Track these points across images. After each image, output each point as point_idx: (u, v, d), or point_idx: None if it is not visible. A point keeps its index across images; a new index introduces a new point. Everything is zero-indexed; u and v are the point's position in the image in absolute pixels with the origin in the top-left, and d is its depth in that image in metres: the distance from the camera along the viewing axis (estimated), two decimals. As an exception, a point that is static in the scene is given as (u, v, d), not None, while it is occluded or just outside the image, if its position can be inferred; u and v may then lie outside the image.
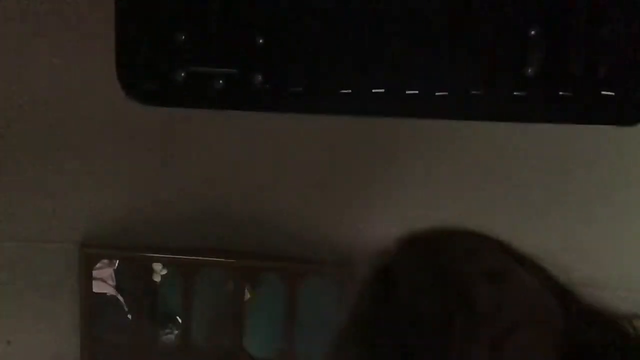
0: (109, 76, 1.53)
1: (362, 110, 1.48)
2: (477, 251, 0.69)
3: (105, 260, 1.72)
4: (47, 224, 1.68)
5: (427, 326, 0.64)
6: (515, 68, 1.38)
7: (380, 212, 1.61)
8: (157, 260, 1.70)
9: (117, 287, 1.75)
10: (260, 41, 1.46)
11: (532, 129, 1.47)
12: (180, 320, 1.73)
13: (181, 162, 1.63)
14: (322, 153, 1.59)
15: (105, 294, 1.74)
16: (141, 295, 1.73)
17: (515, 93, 1.40)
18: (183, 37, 1.47)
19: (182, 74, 1.49)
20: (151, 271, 1.73)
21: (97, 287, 1.70)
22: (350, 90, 1.47)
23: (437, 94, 1.43)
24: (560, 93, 1.38)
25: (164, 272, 1.74)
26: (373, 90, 1.45)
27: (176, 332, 1.76)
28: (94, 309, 1.70)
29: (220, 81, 1.49)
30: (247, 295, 1.70)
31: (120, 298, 1.75)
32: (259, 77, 1.47)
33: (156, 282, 1.76)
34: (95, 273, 1.68)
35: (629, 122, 1.40)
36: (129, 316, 1.74)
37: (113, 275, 1.74)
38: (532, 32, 1.36)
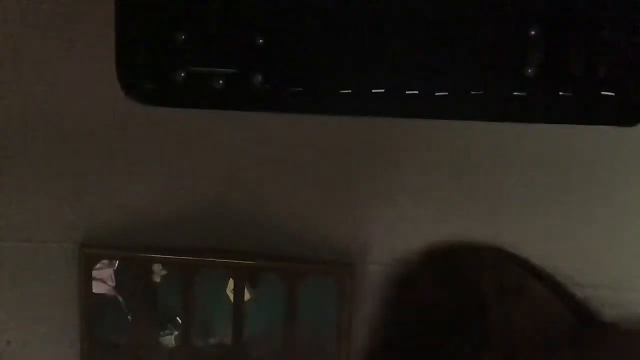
0: (108, 76, 1.53)
1: (362, 110, 1.49)
2: (496, 267, 0.70)
3: (105, 261, 1.71)
4: (47, 224, 1.68)
5: (444, 332, 0.65)
6: (515, 68, 1.38)
7: (380, 212, 1.61)
8: (157, 260, 1.69)
9: (117, 288, 1.74)
10: (260, 41, 1.46)
11: (532, 129, 1.48)
12: (180, 321, 1.73)
13: (181, 162, 1.63)
14: (322, 153, 1.59)
15: (105, 294, 1.74)
16: (141, 296, 1.72)
17: (515, 93, 1.40)
18: (183, 37, 1.47)
19: (182, 74, 1.49)
20: (151, 272, 1.73)
21: (97, 288, 1.70)
22: (350, 91, 1.47)
23: (437, 94, 1.43)
24: (560, 93, 1.38)
25: (164, 272, 1.74)
26: (373, 90, 1.46)
27: (176, 332, 1.76)
28: (93, 309, 1.69)
29: (220, 81, 1.49)
30: (247, 295, 1.70)
31: (120, 298, 1.74)
32: (259, 77, 1.47)
33: (156, 282, 1.75)
34: (95, 273, 1.68)
35: (629, 122, 1.40)
36: (129, 317, 1.74)
37: (113, 275, 1.74)
38: (532, 32, 1.36)
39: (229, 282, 1.72)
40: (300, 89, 1.49)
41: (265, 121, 1.57)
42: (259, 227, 1.64)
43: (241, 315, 1.67)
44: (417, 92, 1.44)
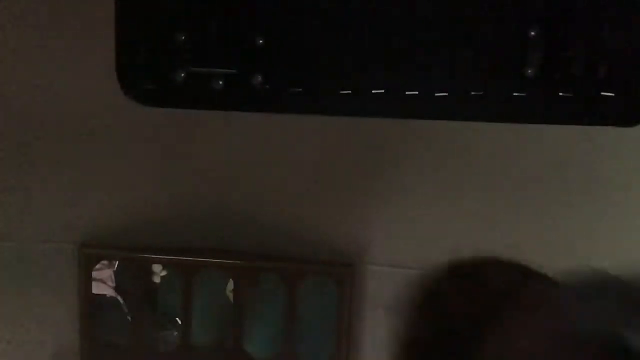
0: (109, 77, 1.53)
1: (362, 110, 1.49)
2: (516, 283, 0.70)
3: (105, 261, 1.72)
4: (47, 225, 1.68)
5: (464, 345, 0.65)
6: (515, 69, 1.38)
7: (379, 213, 1.61)
8: (157, 261, 1.70)
9: (117, 288, 1.75)
10: (260, 42, 1.46)
11: (532, 130, 1.47)
12: (180, 321, 1.73)
13: (181, 163, 1.63)
14: (322, 153, 1.59)
15: (105, 294, 1.74)
16: (141, 296, 1.72)
17: (515, 94, 1.40)
18: (183, 38, 1.47)
19: (182, 75, 1.49)
20: (151, 272, 1.73)
21: (97, 288, 1.70)
22: (350, 91, 1.47)
23: (436, 94, 1.43)
24: (560, 94, 1.38)
25: (164, 273, 1.74)
26: (373, 91, 1.46)
27: (176, 332, 1.76)
28: (93, 309, 1.69)
29: (220, 82, 1.49)
30: (247, 296, 1.69)
31: (120, 299, 1.75)
32: (259, 78, 1.47)
33: (156, 283, 1.75)
34: (95, 274, 1.68)
35: (629, 122, 1.40)
36: (129, 317, 1.74)
37: (113, 276, 1.74)
38: (532, 33, 1.36)
39: (229, 282, 1.72)
40: (300, 89, 1.48)
41: (265, 121, 1.56)
42: (259, 228, 1.64)
43: (241, 315, 1.67)
44: (416, 92, 1.44)
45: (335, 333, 1.63)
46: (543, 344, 0.63)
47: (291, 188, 1.62)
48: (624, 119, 1.38)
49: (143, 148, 1.61)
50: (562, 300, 0.70)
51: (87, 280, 1.67)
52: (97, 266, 1.69)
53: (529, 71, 1.38)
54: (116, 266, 1.73)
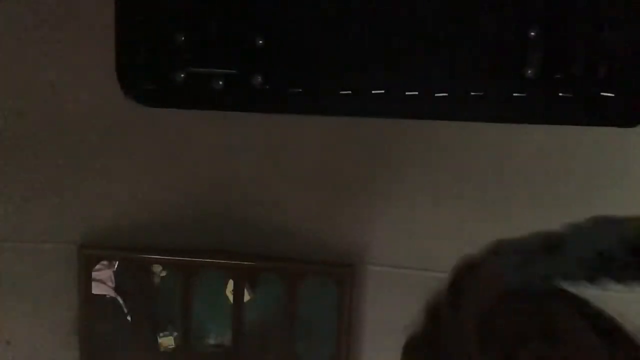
0: (109, 77, 1.53)
1: (362, 111, 1.49)
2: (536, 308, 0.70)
3: (105, 262, 1.71)
4: (47, 225, 1.68)
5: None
6: (515, 69, 1.38)
7: (380, 213, 1.61)
8: (157, 261, 1.69)
9: (117, 289, 1.74)
10: (260, 42, 1.46)
11: (532, 130, 1.48)
12: (179, 322, 1.73)
13: (181, 163, 1.63)
14: (321, 154, 1.59)
15: (105, 295, 1.74)
16: (140, 297, 1.72)
17: (515, 94, 1.40)
18: (182, 38, 1.47)
19: (182, 75, 1.49)
20: (151, 272, 1.73)
21: (97, 289, 1.70)
22: (350, 91, 1.47)
23: (436, 95, 1.43)
24: (560, 94, 1.38)
25: (164, 273, 1.74)
26: (373, 91, 1.46)
27: (175, 333, 1.76)
28: (93, 310, 1.69)
29: (220, 82, 1.49)
30: (247, 296, 1.69)
31: (120, 299, 1.74)
32: (259, 78, 1.47)
33: (156, 283, 1.75)
34: (94, 274, 1.68)
35: (629, 123, 1.40)
36: (129, 317, 1.74)
37: (112, 276, 1.74)
38: (532, 33, 1.36)
39: (229, 282, 1.71)
40: (300, 89, 1.48)
41: (265, 122, 1.56)
42: (259, 228, 1.64)
43: (241, 316, 1.67)
44: (416, 93, 1.44)
45: (335, 333, 1.63)
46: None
47: (291, 188, 1.62)
48: (624, 119, 1.38)
49: (143, 148, 1.61)
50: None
51: (87, 280, 1.67)
52: (97, 266, 1.68)
53: (529, 71, 1.38)
54: (116, 267, 1.73)
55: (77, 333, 1.70)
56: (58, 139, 1.61)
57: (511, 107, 1.41)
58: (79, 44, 1.55)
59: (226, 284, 1.72)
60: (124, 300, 1.74)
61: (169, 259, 1.66)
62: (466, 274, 0.75)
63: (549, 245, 0.74)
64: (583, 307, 0.69)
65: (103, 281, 1.73)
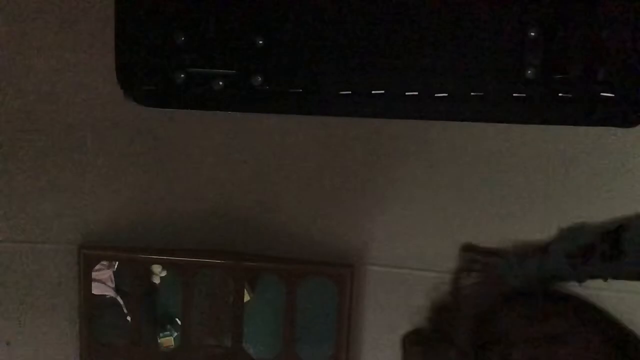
0: (108, 77, 1.53)
1: (362, 111, 1.49)
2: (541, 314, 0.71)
3: (105, 262, 1.71)
4: (46, 225, 1.68)
5: None
6: (515, 69, 1.38)
7: (379, 212, 1.61)
8: (157, 261, 1.69)
9: (117, 289, 1.74)
10: (260, 42, 1.46)
11: (532, 131, 1.48)
12: (179, 322, 1.73)
13: (181, 163, 1.63)
14: (321, 154, 1.59)
15: (105, 295, 1.74)
16: (141, 297, 1.72)
17: (515, 94, 1.41)
18: (182, 39, 1.48)
19: (182, 75, 1.50)
20: (151, 273, 1.73)
21: (97, 289, 1.70)
22: (349, 92, 1.47)
23: (436, 95, 1.43)
24: (560, 94, 1.39)
25: (164, 273, 1.74)
26: (373, 92, 1.46)
27: (176, 333, 1.76)
28: (93, 310, 1.69)
29: (220, 82, 1.49)
30: (247, 297, 1.70)
31: (120, 300, 1.74)
32: (259, 78, 1.48)
33: (156, 283, 1.75)
34: (94, 275, 1.68)
35: (629, 123, 1.41)
36: (129, 318, 1.74)
37: (112, 277, 1.74)
38: (532, 34, 1.37)
39: (229, 282, 1.71)
40: (300, 90, 1.49)
41: (264, 122, 1.56)
42: (259, 228, 1.64)
43: (241, 316, 1.67)
44: (416, 93, 1.44)
45: (335, 333, 1.63)
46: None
47: (291, 188, 1.62)
48: (624, 119, 1.38)
49: (143, 148, 1.62)
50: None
51: (87, 281, 1.67)
52: (97, 267, 1.69)
53: (529, 72, 1.39)
54: (116, 267, 1.73)
55: (77, 333, 1.70)
56: (58, 139, 1.62)
57: (511, 107, 1.41)
58: (78, 43, 1.55)
59: (226, 283, 1.72)
60: (124, 300, 1.74)
61: (169, 259, 1.66)
62: (467, 274, 0.76)
63: (540, 246, 0.76)
64: (583, 309, 0.70)
65: (103, 281, 1.73)
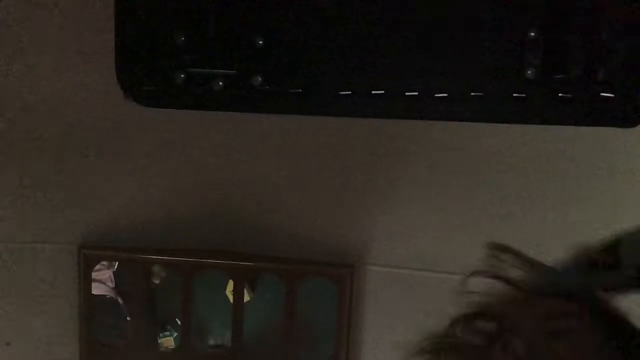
0: (108, 78, 1.53)
1: (362, 111, 1.49)
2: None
3: (105, 262, 1.71)
4: (47, 225, 1.68)
5: None
6: (514, 69, 1.38)
7: (379, 212, 1.61)
8: (157, 262, 1.69)
9: (117, 289, 1.74)
10: (260, 42, 1.46)
11: (531, 131, 1.48)
12: (179, 322, 1.73)
13: (181, 163, 1.63)
14: (321, 154, 1.59)
15: (105, 296, 1.74)
16: (140, 297, 1.72)
17: (514, 94, 1.41)
18: (182, 39, 1.47)
19: (182, 76, 1.49)
20: (151, 273, 1.73)
21: (97, 289, 1.70)
22: (349, 92, 1.47)
23: (436, 95, 1.43)
24: (560, 95, 1.39)
25: (164, 274, 1.74)
26: (372, 92, 1.46)
27: (175, 334, 1.76)
28: (93, 310, 1.69)
29: (220, 82, 1.49)
30: (247, 297, 1.70)
31: (120, 300, 1.75)
32: (259, 79, 1.48)
33: (156, 283, 1.75)
34: (94, 275, 1.68)
35: (628, 123, 1.41)
36: (128, 318, 1.74)
37: (112, 277, 1.74)
38: (532, 34, 1.37)
39: (229, 283, 1.72)
40: (300, 90, 1.49)
41: (264, 122, 1.56)
42: (259, 228, 1.64)
43: (241, 316, 1.67)
44: (416, 93, 1.44)
45: (335, 333, 1.63)
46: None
47: (291, 188, 1.62)
48: (624, 119, 1.38)
49: (143, 148, 1.61)
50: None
51: (87, 281, 1.66)
52: (97, 267, 1.68)
53: (529, 72, 1.39)
54: (116, 267, 1.73)
55: (77, 333, 1.70)
56: (58, 139, 1.61)
57: (511, 107, 1.41)
58: (79, 44, 1.55)
59: (226, 283, 1.72)
60: (124, 300, 1.74)
61: (169, 259, 1.66)
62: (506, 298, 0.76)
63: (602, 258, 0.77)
64: (595, 312, 0.70)
65: (103, 281, 1.73)
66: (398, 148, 1.56)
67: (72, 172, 1.64)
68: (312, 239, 1.63)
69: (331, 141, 1.57)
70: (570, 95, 1.38)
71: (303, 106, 1.51)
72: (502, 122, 1.45)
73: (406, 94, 1.45)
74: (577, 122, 1.41)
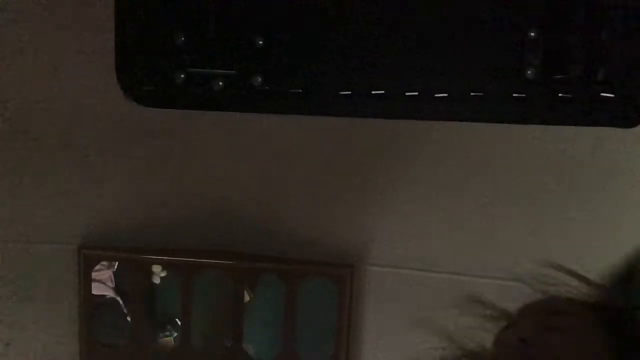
0: (108, 77, 1.53)
1: (362, 111, 1.49)
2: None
3: (105, 262, 1.71)
4: (47, 225, 1.68)
5: None
6: (515, 69, 1.38)
7: (379, 213, 1.61)
8: (157, 262, 1.69)
9: (117, 289, 1.74)
10: (260, 42, 1.46)
11: (531, 130, 1.48)
12: (179, 322, 1.73)
13: (181, 163, 1.63)
14: (321, 154, 1.59)
15: (105, 296, 1.74)
16: (140, 297, 1.72)
17: (514, 94, 1.41)
18: (182, 39, 1.48)
19: (182, 76, 1.50)
20: (151, 273, 1.73)
21: (97, 289, 1.70)
22: (349, 92, 1.47)
23: (436, 95, 1.43)
24: (560, 95, 1.39)
25: (164, 274, 1.74)
26: (372, 92, 1.46)
27: (175, 334, 1.76)
28: (93, 310, 1.69)
29: (220, 82, 1.49)
30: (247, 297, 1.70)
31: (120, 300, 1.75)
32: (259, 78, 1.48)
33: (155, 284, 1.75)
34: (94, 275, 1.68)
35: (628, 123, 1.41)
36: (128, 318, 1.74)
37: (112, 277, 1.74)
38: (532, 34, 1.37)
39: (229, 282, 1.71)
40: (300, 90, 1.49)
41: (264, 122, 1.56)
42: (259, 228, 1.64)
43: (241, 316, 1.67)
44: (416, 93, 1.44)
45: (335, 333, 1.63)
46: None
47: (291, 188, 1.62)
48: (624, 119, 1.38)
49: (143, 148, 1.61)
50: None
51: (87, 281, 1.66)
52: (97, 267, 1.68)
53: (529, 72, 1.39)
54: (116, 267, 1.73)
55: (77, 333, 1.70)
56: (58, 139, 1.61)
57: (511, 107, 1.41)
58: (79, 44, 1.55)
59: (226, 283, 1.72)
60: (124, 300, 1.74)
61: (169, 259, 1.66)
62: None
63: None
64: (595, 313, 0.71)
65: (103, 281, 1.73)
66: (398, 148, 1.56)
67: (72, 172, 1.64)
68: (312, 239, 1.63)
69: (331, 141, 1.57)
70: (570, 95, 1.38)
71: (303, 106, 1.51)
72: (502, 122, 1.45)
73: (406, 94, 1.45)
74: (577, 122, 1.41)
